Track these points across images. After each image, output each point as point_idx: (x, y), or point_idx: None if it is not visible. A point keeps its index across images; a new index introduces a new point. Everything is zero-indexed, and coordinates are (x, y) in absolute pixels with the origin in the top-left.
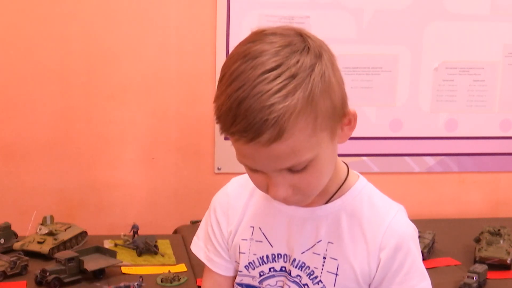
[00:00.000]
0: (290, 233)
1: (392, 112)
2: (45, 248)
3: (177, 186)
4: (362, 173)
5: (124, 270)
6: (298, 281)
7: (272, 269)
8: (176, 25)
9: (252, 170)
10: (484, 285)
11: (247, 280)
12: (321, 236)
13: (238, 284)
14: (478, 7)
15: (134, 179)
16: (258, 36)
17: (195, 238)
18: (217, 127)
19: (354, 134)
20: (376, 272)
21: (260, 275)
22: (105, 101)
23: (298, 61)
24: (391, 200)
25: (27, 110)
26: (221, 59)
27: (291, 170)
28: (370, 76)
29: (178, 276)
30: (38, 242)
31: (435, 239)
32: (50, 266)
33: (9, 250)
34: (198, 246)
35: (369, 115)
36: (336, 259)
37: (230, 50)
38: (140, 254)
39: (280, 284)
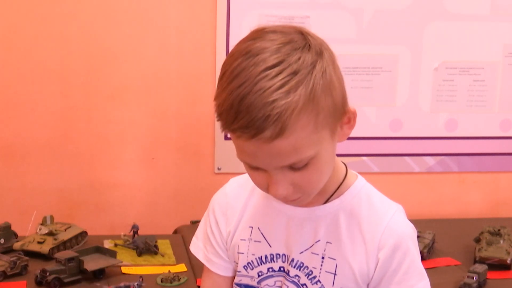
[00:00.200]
0: (289, 233)
1: (392, 112)
2: (45, 248)
3: (177, 186)
4: (362, 173)
5: (124, 270)
6: (296, 281)
7: (270, 269)
8: (176, 25)
9: (252, 168)
10: (484, 285)
11: (245, 280)
12: (319, 236)
13: (237, 284)
14: (478, 7)
15: (134, 179)
16: (258, 34)
17: (194, 238)
18: (217, 126)
19: (354, 134)
20: (374, 272)
21: (259, 275)
22: (105, 101)
23: (299, 58)
24: (390, 200)
25: (27, 110)
26: (221, 59)
27: (292, 167)
28: (370, 76)
29: (178, 276)
30: (38, 242)
31: (435, 239)
32: (50, 266)
33: (9, 250)
34: (197, 247)
35: (369, 115)
36: (335, 259)
37: (230, 50)
38: (140, 254)
39: (278, 284)
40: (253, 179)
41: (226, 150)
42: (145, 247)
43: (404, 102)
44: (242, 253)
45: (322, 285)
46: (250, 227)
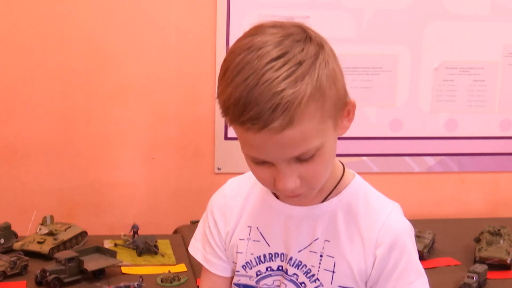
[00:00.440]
0: (287, 232)
1: (392, 112)
2: (45, 248)
3: (177, 186)
4: (362, 173)
5: (124, 270)
6: (294, 279)
7: (269, 269)
8: (176, 25)
9: (258, 164)
10: (484, 285)
11: (244, 280)
12: (318, 234)
13: (236, 284)
14: (478, 7)
15: (134, 179)
16: (258, 30)
17: (192, 240)
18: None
19: (354, 134)
20: (372, 269)
21: (257, 275)
22: (105, 101)
23: (302, 49)
24: (387, 198)
25: (27, 110)
26: (221, 59)
27: (299, 159)
28: (370, 76)
29: (178, 276)
30: (38, 242)
31: (435, 239)
32: (50, 266)
33: (9, 250)
34: (196, 248)
35: (369, 115)
36: (333, 257)
37: (229, 48)
38: (140, 254)
39: (277, 283)
40: (257, 175)
41: (226, 150)
42: (145, 247)
43: (404, 102)
44: (241, 253)
45: (320, 283)
46: (248, 226)
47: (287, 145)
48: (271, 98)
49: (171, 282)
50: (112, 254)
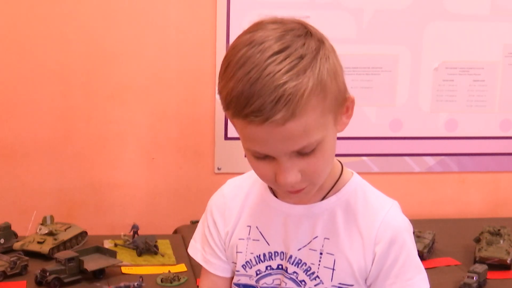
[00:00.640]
0: (287, 231)
1: (392, 112)
2: (45, 248)
3: (177, 186)
4: (362, 173)
5: (124, 270)
6: (294, 277)
7: (268, 267)
8: (176, 25)
9: (259, 159)
10: (484, 285)
11: (244, 280)
12: (317, 232)
13: (236, 284)
14: (478, 7)
15: (134, 179)
16: (258, 26)
17: (192, 241)
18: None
19: (354, 134)
20: (371, 266)
21: (257, 274)
22: (105, 101)
23: (304, 44)
24: (385, 196)
25: (27, 110)
26: (221, 59)
27: (300, 153)
28: (370, 76)
29: (178, 276)
30: (38, 242)
31: (435, 239)
32: (50, 266)
33: (9, 250)
34: (195, 249)
35: (369, 115)
36: (333, 254)
37: (229, 44)
38: (140, 254)
39: (277, 282)
40: (258, 170)
41: (226, 150)
42: (145, 247)
43: (404, 102)
44: (241, 252)
45: (320, 280)
46: (248, 226)
47: (289, 138)
48: (273, 90)
49: (171, 282)
50: (112, 254)
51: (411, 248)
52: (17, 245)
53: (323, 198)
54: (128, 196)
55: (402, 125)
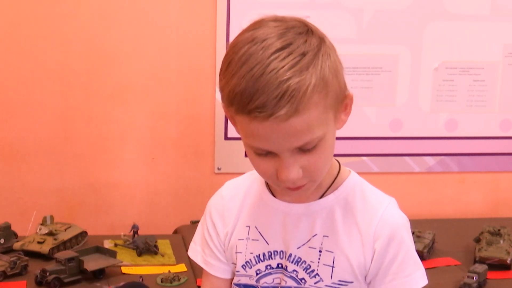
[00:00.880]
0: (286, 230)
1: (392, 112)
2: (45, 248)
3: (177, 186)
4: (362, 173)
5: (124, 270)
6: (294, 276)
7: (268, 267)
8: (176, 25)
9: (261, 156)
10: (484, 285)
11: (244, 280)
12: (316, 230)
13: (236, 285)
14: (478, 7)
15: (134, 179)
16: (259, 24)
17: (192, 243)
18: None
19: (354, 134)
20: (371, 263)
21: (257, 274)
22: (105, 101)
23: (306, 41)
24: (383, 193)
25: (27, 110)
26: (221, 59)
27: (302, 149)
28: (370, 76)
29: (178, 276)
30: (38, 242)
31: (435, 239)
32: (50, 266)
33: (9, 250)
34: (195, 251)
35: (369, 115)
36: (332, 252)
37: (230, 43)
38: (140, 254)
39: (277, 281)
40: (259, 168)
41: (226, 150)
42: (145, 247)
43: (404, 102)
44: (240, 253)
45: (320, 278)
46: (247, 226)
47: (292, 134)
48: (277, 86)
49: (171, 282)
50: (112, 254)
51: (409, 245)
52: (17, 245)
53: (321, 196)
54: (128, 196)
55: (402, 125)
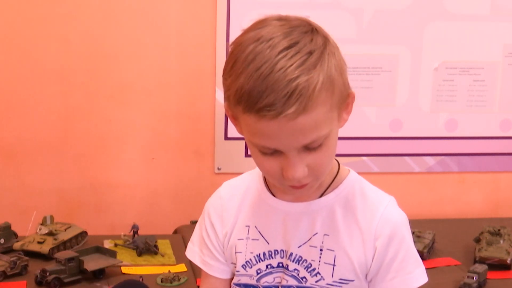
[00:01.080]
0: (286, 229)
1: (392, 112)
2: (45, 248)
3: (177, 186)
4: (362, 173)
5: (124, 270)
6: (295, 275)
7: (269, 266)
8: (176, 25)
9: (266, 155)
10: (484, 285)
11: (244, 280)
12: (317, 229)
13: (236, 284)
14: (478, 7)
15: (134, 179)
16: (263, 23)
17: (189, 244)
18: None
19: (354, 134)
20: (372, 261)
21: (258, 273)
22: (105, 101)
23: (311, 40)
24: (383, 192)
25: (27, 110)
26: (221, 59)
27: (308, 148)
28: (370, 76)
29: (178, 276)
30: (38, 242)
31: (435, 239)
32: (50, 266)
33: (9, 250)
34: (193, 251)
35: (369, 115)
36: (333, 250)
37: (233, 41)
38: (140, 254)
39: (277, 280)
40: (264, 167)
41: (226, 150)
42: (145, 247)
43: (404, 102)
44: (240, 253)
45: (321, 277)
46: (246, 226)
47: (299, 132)
48: (286, 85)
49: (171, 282)
50: (112, 254)
51: (410, 243)
52: (17, 245)
53: (321, 195)
54: (128, 196)
55: (402, 125)
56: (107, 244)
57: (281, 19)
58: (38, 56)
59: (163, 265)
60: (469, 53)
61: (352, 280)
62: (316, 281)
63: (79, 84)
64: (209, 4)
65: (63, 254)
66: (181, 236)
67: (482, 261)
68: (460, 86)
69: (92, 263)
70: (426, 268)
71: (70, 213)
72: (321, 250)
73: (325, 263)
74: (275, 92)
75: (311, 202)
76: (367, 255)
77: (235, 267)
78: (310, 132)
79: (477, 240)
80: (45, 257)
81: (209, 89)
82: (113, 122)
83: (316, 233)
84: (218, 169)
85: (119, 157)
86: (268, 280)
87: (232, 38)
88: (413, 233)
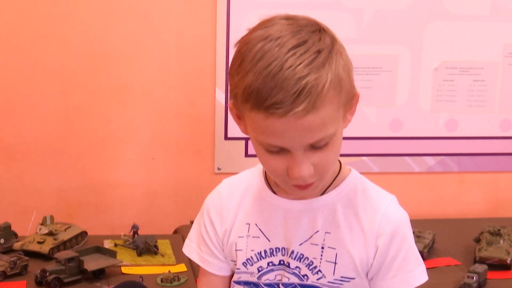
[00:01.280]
0: (287, 227)
1: (392, 112)
2: (45, 248)
3: (177, 186)
4: (362, 173)
5: (124, 270)
6: (297, 272)
7: (270, 264)
8: (176, 25)
9: (272, 153)
10: (484, 285)
11: (245, 277)
12: (318, 227)
13: (236, 282)
14: (478, 7)
15: (134, 179)
16: (270, 22)
17: (187, 240)
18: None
19: (354, 134)
20: (373, 259)
21: (259, 271)
22: (105, 101)
23: (320, 39)
24: (384, 190)
25: (27, 110)
26: (221, 59)
27: (314, 146)
28: (370, 76)
29: (178, 276)
30: (38, 242)
31: (435, 239)
32: (50, 266)
33: (9, 250)
34: (190, 248)
35: (369, 115)
36: (334, 248)
37: (239, 40)
38: (140, 254)
39: (278, 277)
40: (270, 165)
41: (226, 150)
42: (145, 247)
43: (404, 102)
44: (241, 250)
45: (323, 274)
46: (247, 224)
47: (308, 130)
48: (295, 83)
49: (171, 282)
50: (112, 254)
51: (411, 241)
52: (17, 245)
53: (323, 193)
54: (128, 196)
55: (402, 125)
56: (107, 244)
57: (288, 18)
58: (38, 56)
59: (163, 265)
60: (469, 53)
61: (353, 278)
62: (317, 279)
63: (79, 84)
64: (209, 4)
65: (63, 254)
66: (181, 236)
67: (482, 261)
68: (460, 86)
69: (92, 263)
70: (426, 268)
71: (70, 213)
72: (322, 248)
73: (326, 261)
74: (284, 90)
75: (312, 200)
76: (369, 253)
77: (235, 264)
78: (318, 130)
79: (477, 240)
80: (45, 257)
81: (209, 89)
82: (113, 122)
83: (318, 231)
84: (218, 169)
85: (119, 157)
86: (269, 277)
87: (232, 38)
88: (413, 233)
